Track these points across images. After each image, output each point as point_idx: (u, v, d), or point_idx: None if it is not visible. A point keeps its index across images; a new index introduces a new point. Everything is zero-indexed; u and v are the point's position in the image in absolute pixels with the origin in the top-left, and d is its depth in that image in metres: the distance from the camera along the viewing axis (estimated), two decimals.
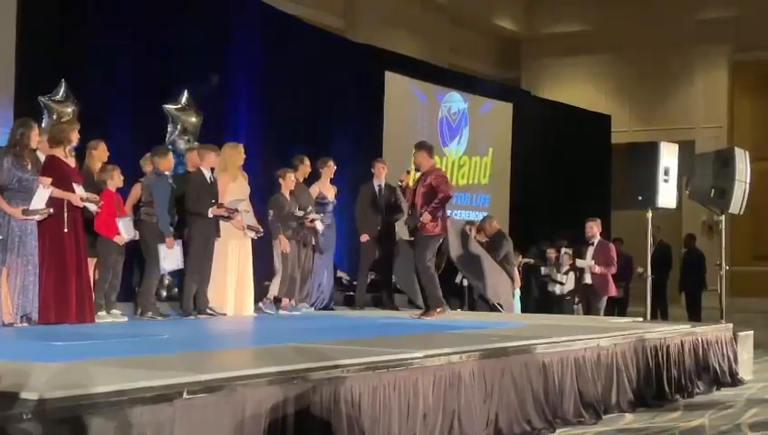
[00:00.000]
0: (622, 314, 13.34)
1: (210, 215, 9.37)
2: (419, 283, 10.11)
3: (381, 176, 11.53)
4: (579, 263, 11.90)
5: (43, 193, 7.88)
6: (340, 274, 13.05)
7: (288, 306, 10.34)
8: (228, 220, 9.56)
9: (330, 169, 11.21)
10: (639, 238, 11.98)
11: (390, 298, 11.81)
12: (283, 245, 10.24)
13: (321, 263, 11.12)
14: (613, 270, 11.85)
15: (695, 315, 15.72)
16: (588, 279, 11.79)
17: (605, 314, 11.88)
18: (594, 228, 11.89)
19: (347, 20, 20.49)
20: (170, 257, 9.14)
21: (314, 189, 11.01)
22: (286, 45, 13.97)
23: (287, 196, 10.40)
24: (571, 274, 13.55)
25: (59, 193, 8.03)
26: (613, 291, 11.92)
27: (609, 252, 11.83)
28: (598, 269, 11.66)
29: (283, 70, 13.83)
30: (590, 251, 11.76)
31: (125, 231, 8.90)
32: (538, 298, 14.26)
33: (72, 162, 8.37)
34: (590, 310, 11.77)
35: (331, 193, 11.19)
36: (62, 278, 8.01)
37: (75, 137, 8.49)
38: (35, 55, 10.44)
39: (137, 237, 9.12)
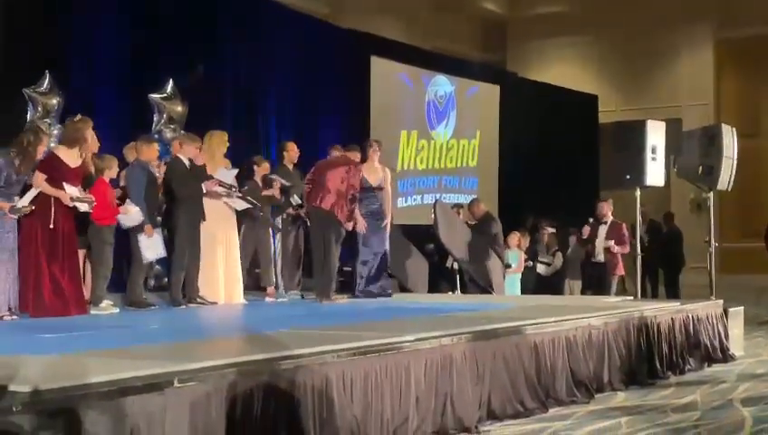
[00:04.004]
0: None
1: (204, 190, 9.27)
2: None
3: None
4: (597, 243, 11.82)
5: (32, 191, 7.81)
6: None
7: (274, 294, 10.31)
8: (228, 197, 9.52)
9: (375, 152, 10.53)
10: (627, 217, 11.99)
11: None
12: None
13: (368, 250, 10.50)
14: (627, 248, 11.80)
15: (673, 293, 15.59)
16: (600, 258, 11.77)
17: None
18: (606, 208, 11.88)
19: (332, 6, 20.44)
20: (152, 247, 9.01)
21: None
22: (272, 32, 13.91)
23: (259, 182, 10.37)
24: (559, 254, 13.53)
25: (49, 190, 7.87)
26: (621, 270, 11.92)
27: (622, 230, 11.81)
28: (617, 248, 11.66)
29: (269, 56, 13.79)
30: (603, 230, 11.76)
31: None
32: (525, 279, 14.26)
33: (79, 162, 8.13)
34: (600, 288, 11.69)
35: (373, 177, 10.50)
36: (51, 273, 7.84)
37: (90, 135, 8.27)
38: (18, 46, 10.35)
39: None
